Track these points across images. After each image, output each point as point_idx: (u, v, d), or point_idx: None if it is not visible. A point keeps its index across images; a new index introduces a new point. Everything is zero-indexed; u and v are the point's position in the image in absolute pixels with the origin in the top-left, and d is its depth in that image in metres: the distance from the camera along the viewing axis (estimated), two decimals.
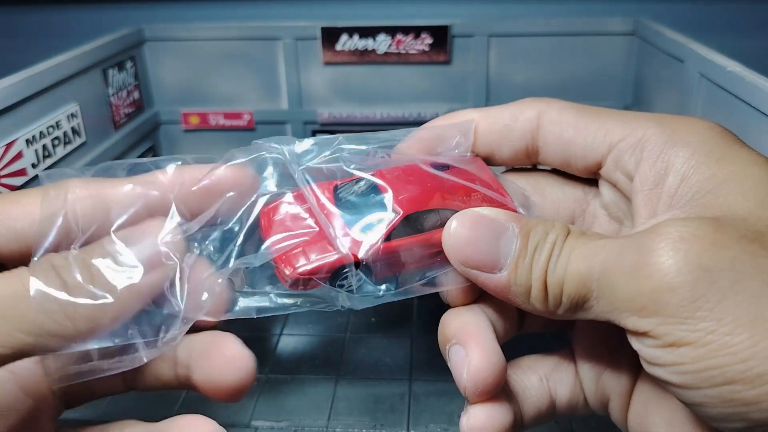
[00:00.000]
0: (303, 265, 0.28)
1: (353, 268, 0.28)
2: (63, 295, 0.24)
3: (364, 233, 0.28)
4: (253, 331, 0.61)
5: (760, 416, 0.22)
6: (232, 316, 0.28)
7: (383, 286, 0.29)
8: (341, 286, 0.28)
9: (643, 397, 0.30)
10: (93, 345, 0.24)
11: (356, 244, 0.28)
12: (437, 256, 0.29)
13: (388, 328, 0.62)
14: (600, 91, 0.78)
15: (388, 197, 0.29)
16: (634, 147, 0.29)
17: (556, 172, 0.34)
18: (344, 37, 0.77)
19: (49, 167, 0.57)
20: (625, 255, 0.24)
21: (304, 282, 0.28)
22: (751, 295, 0.22)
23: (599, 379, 0.32)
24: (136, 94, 0.77)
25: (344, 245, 0.28)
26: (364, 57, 0.78)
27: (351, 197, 0.30)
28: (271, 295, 0.29)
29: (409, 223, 0.29)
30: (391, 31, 0.76)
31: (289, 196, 0.30)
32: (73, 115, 0.61)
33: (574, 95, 0.78)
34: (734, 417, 0.22)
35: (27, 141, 0.54)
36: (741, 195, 0.25)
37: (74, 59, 0.62)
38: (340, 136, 0.31)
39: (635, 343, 0.25)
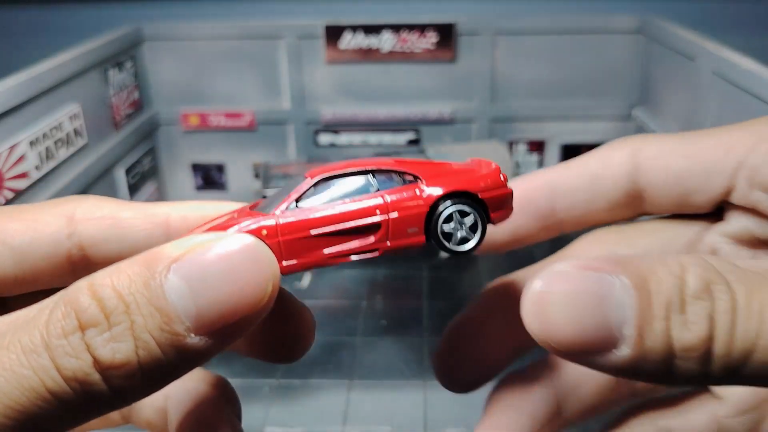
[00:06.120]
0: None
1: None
2: None
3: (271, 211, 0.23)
4: None
5: None
6: None
7: None
8: None
9: None
10: None
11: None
12: (359, 234, 0.23)
13: (399, 330, 0.61)
14: (606, 89, 0.78)
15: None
16: None
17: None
18: (348, 35, 0.76)
19: (52, 170, 0.56)
20: None
21: None
22: None
23: None
24: (135, 95, 0.75)
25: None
26: (368, 55, 0.77)
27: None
28: None
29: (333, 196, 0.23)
30: (396, 28, 0.75)
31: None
32: (75, 116, 0.60)
33: (580, 93, 0.78)
34: None
35: (30, 143, 0.53)
36: None
37: (75, 59, 0.61)
38: None
39: None
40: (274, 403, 0.52)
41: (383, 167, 0.24)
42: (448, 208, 0.23)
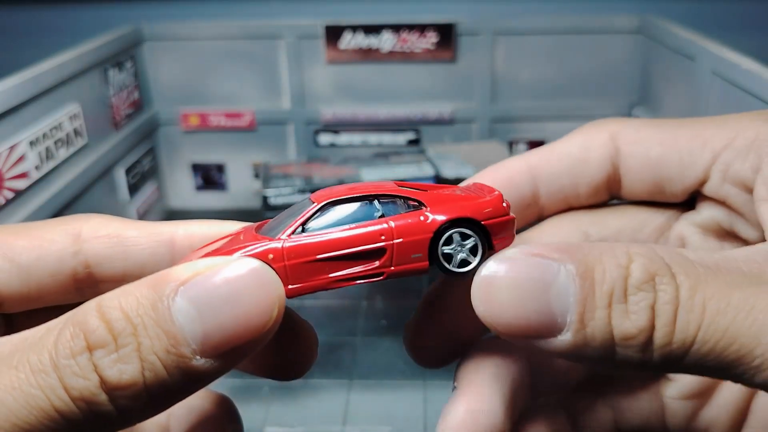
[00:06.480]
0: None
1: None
2: None
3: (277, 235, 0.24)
4: None
5: None
6: None
7: None
8: None
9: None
10: None
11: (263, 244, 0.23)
12: (364, 259, 0.23)
13: (399, 330, 0.61)
14: (606, 89, 0.78)
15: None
16: (746, 150, 0.24)
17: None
18: (348, 35, 0.76)
19: (52, 170, 0.56)
20: None
21: None
22: None
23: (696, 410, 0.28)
24: (135, 95, 0.75)
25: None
26: (368, 55, 0.77)
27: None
28: None
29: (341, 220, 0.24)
30: (396, 28, 0.75)
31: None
32: (75, 116, 0.60)
33: (580, 93, 0.78)
34: None
35: (30, 143, 0.53)
36: None
37: (75, 59, 0.61)
38: None
39: None
40: (274, 403, 0.52)
41: (388, 192, 0.24)
42: (450, 232, 0.23)
